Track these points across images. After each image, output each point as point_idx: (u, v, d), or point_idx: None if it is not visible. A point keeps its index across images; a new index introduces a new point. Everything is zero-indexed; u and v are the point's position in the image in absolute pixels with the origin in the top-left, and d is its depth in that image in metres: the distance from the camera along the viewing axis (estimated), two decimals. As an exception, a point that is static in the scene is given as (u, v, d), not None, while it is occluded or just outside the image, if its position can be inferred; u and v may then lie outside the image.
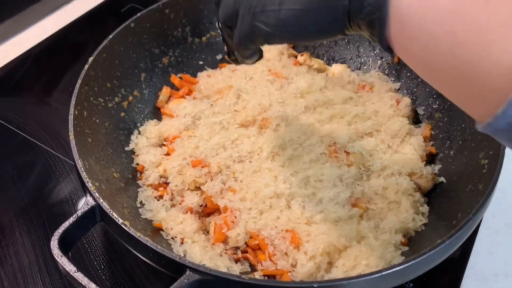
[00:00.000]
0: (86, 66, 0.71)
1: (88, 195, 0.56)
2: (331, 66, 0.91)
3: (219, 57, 0.93)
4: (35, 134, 0.86)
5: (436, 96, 0.80)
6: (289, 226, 0.63)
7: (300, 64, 0.89)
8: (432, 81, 0.41)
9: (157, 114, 0.84)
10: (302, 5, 0.44)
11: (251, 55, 0.56)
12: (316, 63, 0.90)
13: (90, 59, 0.72)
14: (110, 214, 0.54)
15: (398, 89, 0.85)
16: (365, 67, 0.90)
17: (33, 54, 1.02)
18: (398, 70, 0.87)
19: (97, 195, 0.55)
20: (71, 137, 0.62)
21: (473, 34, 0.34)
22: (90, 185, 0.56)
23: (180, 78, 0.88)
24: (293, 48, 0.94)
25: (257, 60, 0.57)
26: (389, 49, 0.41)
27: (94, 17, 1.13)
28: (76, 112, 0.66)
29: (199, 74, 0.90)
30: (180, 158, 0.72)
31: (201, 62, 0.92)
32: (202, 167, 0.72)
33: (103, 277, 0.66)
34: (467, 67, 0.35)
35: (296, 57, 0.92)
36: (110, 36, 0.77)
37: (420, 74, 0.41)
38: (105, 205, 0.54)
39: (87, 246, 0.70)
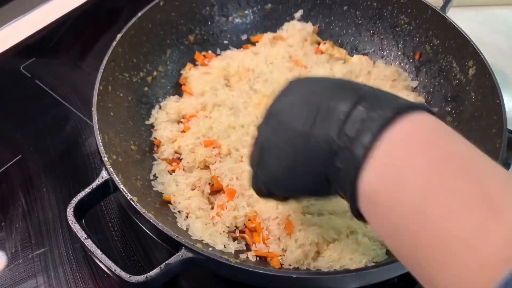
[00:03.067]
0: (114, 43, 0.75)
1: (103, 169, 0.62)
2: (352, 56, 0.92)
3: (244, 37, 0.96)
4: (66, 97, 0.93)
5: (450, 100, 0.80)
6: (286, 213, 0.68)
7: (322, 53, 0.91)
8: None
9: (178, 90, 0.88)
10: (287, 169, 0.47)
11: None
12: (338, 52, 0.91)
13: (118, 36, 0.77)
14: (121, 189, 0.60)
15: (415, 88, 0.86)
16: (386, 61, 0.91)
17: (72, 17, 1.07)
18: (417, 67, 0.87)
19: (111, 170, 0.61)
20: (94, 112, 0.68)
21: (435, 242, 0.34)
22: (106, 160, 0.62)
23: (204, 56, 0.92)
24: (318, 34, 0.96)
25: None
26: (359, 217, 0.43)
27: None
28: (101, 87, 0.71)
29: (223, 53, 0.93)
30: (194, 137, 0.77)
31: (225, 42, 0.95)
32: (214, 147, 0.77)
33: (116, 238, 0.74)
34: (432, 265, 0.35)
35: (319, 44, 0.94)
36: (139, 14, 0.81)
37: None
38: (117, 180, 0.61)
39: (104, 208, 0.77)
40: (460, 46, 0.79)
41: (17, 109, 0.91)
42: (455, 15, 0.88)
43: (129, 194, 0.59)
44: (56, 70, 0.98)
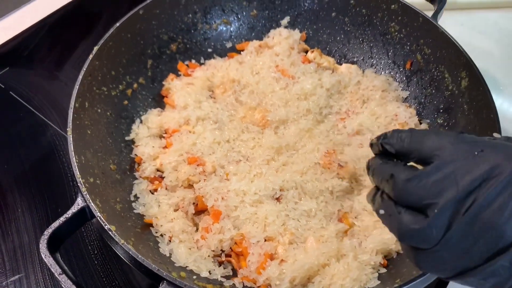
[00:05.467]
0: (90, 56, 0.71)
1: (79, 195, 0.58)
2: (341, 64, 0.89)
3: (229, 45, 0.92)
4: (42, 108, 0.88)
5: (442, 111, 0.78)
6: (271, 235, 0.65)
7: (309, 61, 0.88)
8: None
9: (160, 102, 0.84)
10: None
11: None
12: (326, 61, 0.88)
13: (95, 48, 0.73)
14: (98, 217, 0.56)
15: (406, 98, 0.84)
16: (375, 69, 0.88)
17: (48, 23, 1.03)
18: (408, 77, 0.84)
19: (88, 196, 0.58)
20: (69, 132, 0.64)
21: None
22: (82, 186, 0.59)
23: (187, 65, 0.88)
24: (305, 41, 0.92)
25: None
26: None
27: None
28: (77, 104, 0.67)
29: (207, 62, 0.90)
30: (177, 154, 0.74)
31: (210, 50, 0.91)
32: (198, 165, 0.73)
33: (95, 262, 0.70)
34: None
35: (306, 52, 0.90)
36: (118, 24, 0.76)
37: None
38: (94, 208, 0.57)
39: (83, 230, 0.73)
40: (453, 56, 0.76)
41: (-11, 123, 0.87)
42: (446, 19, 0.85)
43: (106, 223, 0.56)
44: (31, 80, 0.93)
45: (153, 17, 0.82)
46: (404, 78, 0.85)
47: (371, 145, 0.49)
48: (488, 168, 0.37)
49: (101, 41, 0.74)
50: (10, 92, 0.90)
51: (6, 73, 0.93)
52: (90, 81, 0.72)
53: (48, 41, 1.00)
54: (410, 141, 0.43)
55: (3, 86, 0.91)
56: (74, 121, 0.66)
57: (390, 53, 0.87)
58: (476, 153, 0.39)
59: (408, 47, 0.84)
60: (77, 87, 0.68)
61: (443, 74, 0.78)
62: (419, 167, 0.43)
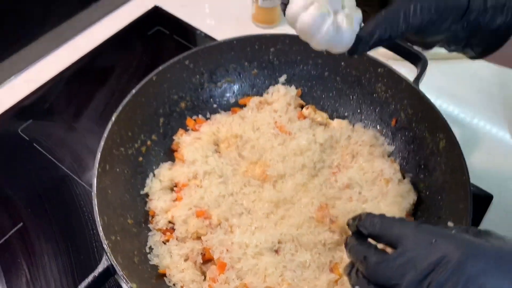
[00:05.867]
0: (110, 124, 0.80)
1: (104, 255, 0.67)
2: (334, 119, 0.99)
3: (232, 100, 1.01)
4: (63, 159, 0.97)
5: (423, 168, 0.87)
6: (271, 286, 0.74)
7: (305, 117, 0.97)
8: None
9: (171, 155, 0.94)
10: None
11: None
12: (320, 116, 0.98)
13: (114, 115, 0.82)
14: (121, 276, 0.65)
15: (392, 152, 0.93)
16: (364, 124, 0.97)
17: (66, 76, 1.12)
18: (394, 133, 0.94)
19: (112, 257, 0.67)
20: (94, 197, 0.73)
21: None
22: (107, 247, 0.68)
23: (195, 121, 0.98)
24: (301, 96, 1.02)
25: None
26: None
27: (121, 39, 1.20)
28: (100, 169, 0.77)
29: (212, 116, 0.99)
30: (187, 208, 0.83)
31: (215, 105, 1.00)
32: (205, 218, 0.82)
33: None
34: None
35: (302, 107, 1.00)
36: (134, 91, 0.86)
37: None
38: (118, 268, 0.66)
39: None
40: (432, 118, 0.85)
41: (17, 174, 0.96)
42: (431, 68, 0.94)
43: (129, 282, 0.65)
44: (52, 132, 1.02)
45: (164, 81, 0.92)
46: (390, 134, 0.94)
47: (348, 225, 0.58)
48: (440, 256, 0.46)
49: (119, 108, 0.83)
50: (34, 144, 0.99)
51: (29, 125, 1.03)
52: (110, 145, 0.81)
53: (66, 94, 1.09)
54: (380, 227, 0.53)
55: (27, 138, 1.00)
56: (98, 185, 0.75)
57: (377, 110, 0.96)
58: (432, 242, 0.48)
59: (393, 106, 0.93)
60: (99, 153, 0.77)
61: (424, 134, 0.88)
62: (388, 248, 0.52)
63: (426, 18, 0.55)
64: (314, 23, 0.54)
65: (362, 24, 0.57)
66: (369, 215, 0.55)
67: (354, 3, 0.57)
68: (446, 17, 0.55)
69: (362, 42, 0.56)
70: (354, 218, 0.57)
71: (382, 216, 0.54)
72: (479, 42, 0.59)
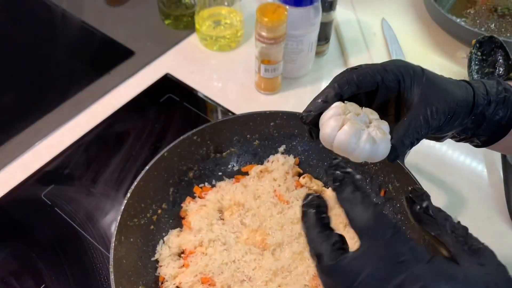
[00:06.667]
0: (125, 201, 0.90)
1: (120, 326, 0.76)
2: (328, 187, 1.08)
3: (235, 168, 1.11)
4: (82, 225, 1.07)
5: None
6: None
7: (301, 186, 1.07)
8: None
9: (179, 221, 1.03)
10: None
11: None
12: (315, 184, 1.07)
13: (130, 191, 0.92)
14: None
15: (381, 220, 1.01)
16: (357, 192, 1.06)
17: (85, 142, 1.23)
18: (383, 202, 1.02)
19: (127, 328, 0.76)
20: (111, 269, 0.82)
21: None
22: (122, 318, 0.77)
23: (201, 188, 1.07)
24: (298, 164, 1.11)
25: None
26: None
27: (135, 105, 1.31)
28: (116, 242, 0.86)
29: (217, 183, 1.09)
30: (193, 275, 0.92)
31: (220, 173, 1.10)
32: (209, 285, 0.91)
33: None
34: None
35: (300, 175, 1.09)
36: (147, 167, 0.96)
37: None
38: (132, 338, 0.75)
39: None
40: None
41: (40, 238, 1.05)
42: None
43: None
44: (72, 197, 1.12)
45: (175, 155, 1.02)
46: (380, 203, 1.03)
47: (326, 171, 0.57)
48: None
49: (134, 184, 0.93)
50: (55, 209, 1.09)
51: (51, 190, 1.13)
52: (125, 218, 0.90)
53: (85, 160, 1.19)
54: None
55: (49, 203, 1.10)
56: (114, 257, 0.84)
57: (367, 181, 1.05)
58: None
59: (381, 178, 1.02)
60: (116, 227, 0.87)
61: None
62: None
63: (443, 118, 0.61)
64: (351, 140, 0.56)
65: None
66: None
67: (377, 115, 0.61)
68: (458, 115, 0.62)
69: (396, 150, 0.60)
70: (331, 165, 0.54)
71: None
72: (484, 132, 0.66)
